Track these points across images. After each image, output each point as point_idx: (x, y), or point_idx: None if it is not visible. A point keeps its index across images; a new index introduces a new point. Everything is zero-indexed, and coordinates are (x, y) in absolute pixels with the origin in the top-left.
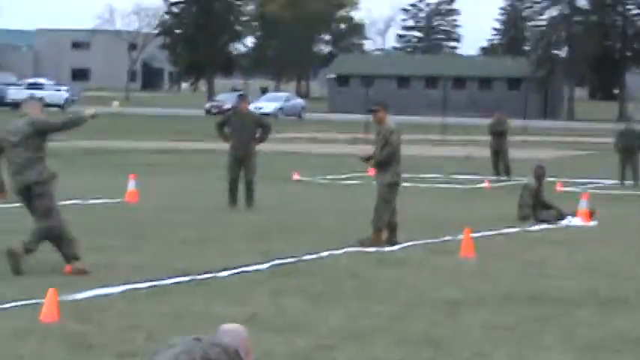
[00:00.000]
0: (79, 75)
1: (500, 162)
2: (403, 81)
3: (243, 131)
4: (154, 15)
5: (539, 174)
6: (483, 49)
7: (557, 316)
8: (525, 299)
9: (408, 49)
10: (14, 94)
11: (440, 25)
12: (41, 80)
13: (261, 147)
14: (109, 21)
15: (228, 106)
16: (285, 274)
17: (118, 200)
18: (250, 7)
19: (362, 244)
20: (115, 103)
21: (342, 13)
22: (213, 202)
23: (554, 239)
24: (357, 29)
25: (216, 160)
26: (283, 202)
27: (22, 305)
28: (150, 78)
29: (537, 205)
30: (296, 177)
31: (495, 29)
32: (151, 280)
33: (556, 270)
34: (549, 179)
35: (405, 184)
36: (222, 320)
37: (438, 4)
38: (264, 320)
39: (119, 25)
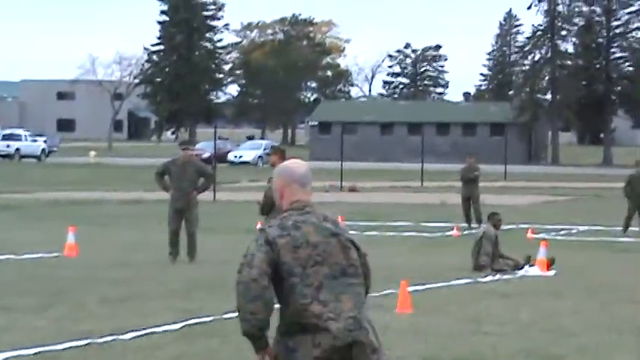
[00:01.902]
0: (65, 125)
1: (471, 209)
2: (386, 127)
3: (183, 181)
4: (135, 64)
5: (496, 221)
6: (466, 94)
7: None
8: None
9: (395, 96)
10: None
11: (426, 71)
12: (18, 131)
13: (230, 196)
14: (91, 71)
15: (207, 154)
16: (196, 335)
17: (56, 254)
18: (234, 55)
19: None
20: (92, 153)
21: (328, 60)
22: (156, 256)
23: (503, 291)
24: (343, 76)
25: None
26: (233, 254)
27: None
28: (136, 127)
29: (495, 255)
30: (259, 226)
31: (483, 75)
32: (42, 345)
33: (494, 326)
34: (522, 225)
35: (371, 233)
36: None
37: (425, 49)
38: None
39: (101, 75)
